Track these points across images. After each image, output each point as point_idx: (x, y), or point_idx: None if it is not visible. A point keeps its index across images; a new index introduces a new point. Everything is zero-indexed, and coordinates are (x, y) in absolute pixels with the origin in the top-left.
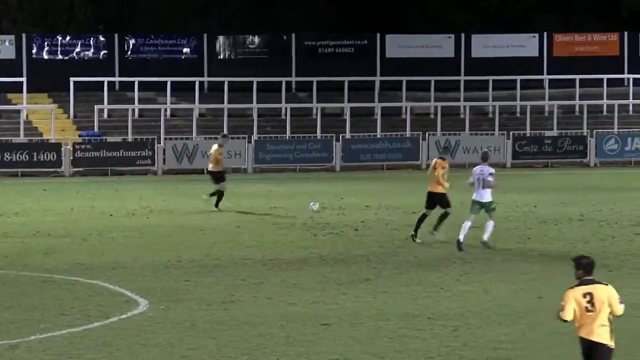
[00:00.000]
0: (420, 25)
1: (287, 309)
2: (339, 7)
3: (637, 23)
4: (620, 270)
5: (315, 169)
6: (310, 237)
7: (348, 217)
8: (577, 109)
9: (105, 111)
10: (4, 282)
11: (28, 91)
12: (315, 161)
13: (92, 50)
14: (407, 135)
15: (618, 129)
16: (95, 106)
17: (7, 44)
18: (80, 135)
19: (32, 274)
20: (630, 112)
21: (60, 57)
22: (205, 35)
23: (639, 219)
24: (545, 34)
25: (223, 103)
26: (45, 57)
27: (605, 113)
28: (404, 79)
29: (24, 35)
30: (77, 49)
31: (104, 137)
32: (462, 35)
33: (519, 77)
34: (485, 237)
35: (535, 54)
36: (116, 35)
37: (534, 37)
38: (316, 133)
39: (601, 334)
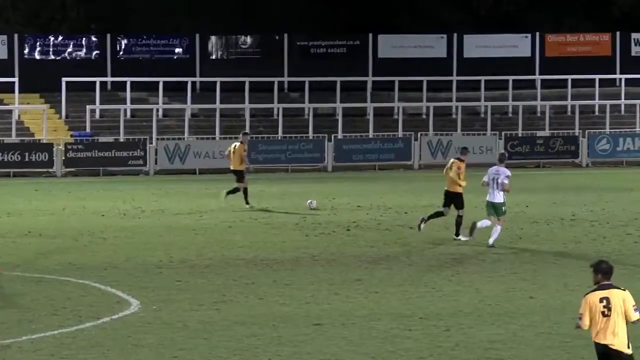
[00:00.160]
0: (413, 26)
1: (279, 309)
2: (331, 7)
3: (629, 23)
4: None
5: (307, 169)
6: (302, 238)
7: (340, 217)
8: (569, 109)
9: (97, 111)
10: None
11: (20, 91)
12: (308, 161)
13: (84, 50)
14: (399, 136)
15: (610, 129)
16: (87, 106)
17: None
18: (72, 136)
19: (24, 274)
20: (622, 112)
21: (52, 57)
22: (197, 35)
23: (631, 219)
24: (537, 34)
25: (215, 103)
26: (38, 57)
27: (597, 113)
28: (396, 79)
29: (16, 35)
30: (69, 49)
31: (96, 138)
32: (455, 35)
33: (511, 77)
34: (491, 240)
35: (527, 54)
36: (108, 35)
37: (526, 37)
38: (308, 133)
39: (617, 340)
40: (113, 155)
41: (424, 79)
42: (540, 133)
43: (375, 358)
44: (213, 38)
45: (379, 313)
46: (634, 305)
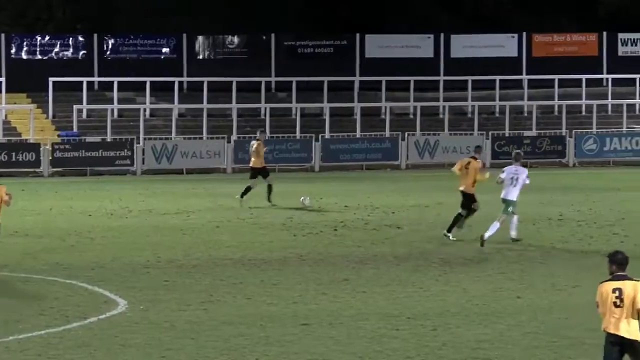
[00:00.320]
0: (400, 26)
1: (267, 309)
2: (318, 7)
3: (615, 23)
4: (599, 270)
5: (294, 169)
6: (289, 237)
7: (327, 217)
8: (555, 109)
9: (84, 111)
10: None
11: (7, 91)
12: (295, 161)
13: (71, 50)
14: (387, 135)
15: (597, 129)
16: (74, 106)
17: None
18: (59, 136)
19: (11, 274)
20: (609, 112)
21: (39, 57)
22: (184, 35)
23: (618, 219)
24: (524, 34)
25: (202, 103)
26: (24, 57)
27: (584, 113)
28: (384, 79)
29: (2, 35)
30: (56, 49)
31: (83, 137)
32: (442, 35)
33: (498, 77)
34: (487, 234)
35: (514, 54)
36: (95, 35)
37: (513, 37)
38: (295, 133)
39: (631, 330)
40: (100, 155)
41: (411, 78)
42: (527, 133)
43: (362, 358)
44: (200, 38)
45: (367, 313)
46: None
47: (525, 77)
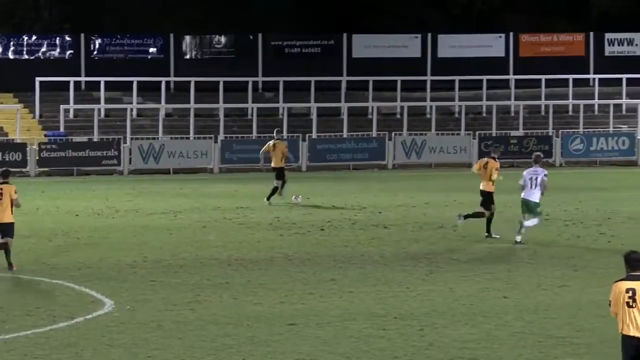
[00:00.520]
0: (387, 26)
1: (253, 308)
2: (305, 7)
3: (604, 23)
4: (585, 269)
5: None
6: (276, 237)
7: (314, 217)
8: (542, 109)
9: (71, 111)
10: None
11: None
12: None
13: (58, 50)
14: (374, 135)
15: (583, 129)
16: (61, 106)
17: None
18: (45, 135)
19: None
20: (596, 112)
21: (26, 56)
22: (171, 35)
23: (604, 219)
24: (511, 34)
25: (189, 103)
26: (11, 56)
27: (570, 113)
28: (371, 79)
29: None
30: (43, 49)
31: (70, 137)
32: (429, 35)
33: (485, 77)
34: (530, 223)
35: (502, 54)
36: (82, 35)
37: (500, 37)
38: (283, 133)
39: None
40: (87, 155)
41: (398, 78)
42: (514, 133)
43: (349, 358)
44: (187, 38)
45: (353, 313)
46: None
47: (512, 77)
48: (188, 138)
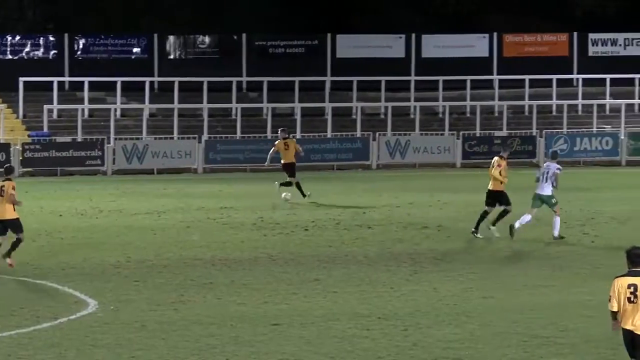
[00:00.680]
0: (371, 26)
1: (237, 309)
2: (290, 7)
3: (588, 23)
4: (568, 269)
5: (265, 169)
6: (260, 237)
7: (298, 217)
8: (526, 109)
9: (55, 111)
10: None
11: None
12: (265, 161)
13: (41, 50)
14: (358, 135)
15: (567, 129)
16: (45, 106)
17: None
18: (29, 136)
19: None
20: (579, 112)
21: (9, 56)
22: (155, 35)
23: (588, 219)
24: (495, 34)
25: (173, 103)
26: None
27: (554, 113)
28: (355, 79)
29: None
30: (27, 49)
31: (54, 137)
32: (413, 35)
33: (468, 78)
34: (555, 232)
35: (485, 54)
36: (66, 35)
37: (484, 37)
38: (266, 133)
39: None
40: (71, 155)
41: (382, 79)
42: (497, 133)
43: (333, 358)
44: (171, 38)
45: (337, 313)
46: None
47: (496, 77)
48: (172, 138)
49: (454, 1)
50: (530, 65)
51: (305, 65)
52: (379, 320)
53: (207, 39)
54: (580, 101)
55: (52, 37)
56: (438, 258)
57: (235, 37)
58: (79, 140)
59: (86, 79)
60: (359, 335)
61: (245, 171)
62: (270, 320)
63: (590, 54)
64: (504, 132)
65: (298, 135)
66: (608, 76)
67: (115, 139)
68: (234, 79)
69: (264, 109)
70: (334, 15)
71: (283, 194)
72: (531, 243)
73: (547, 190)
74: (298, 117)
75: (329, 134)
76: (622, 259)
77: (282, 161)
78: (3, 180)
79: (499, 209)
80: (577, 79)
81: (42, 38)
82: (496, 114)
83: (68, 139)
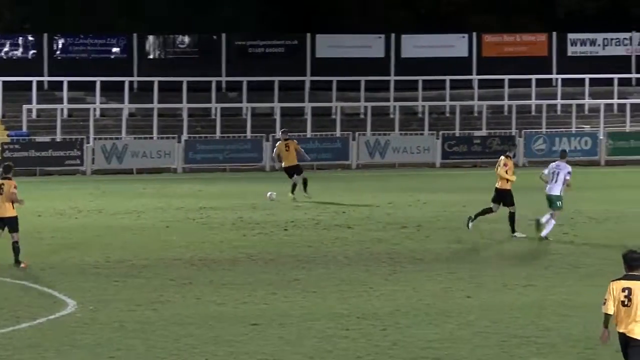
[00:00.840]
0: (351, 26)
1: (216, 309)
2: (269, 7)
3: (567, 23)
4: (549, 269)
5: (245, 169)
6: (239, 237)
7: (278, 217)
8: (505, 109)
9: (34, 111)
10: None
11: None
12: (246, 161)
13: (20, 49)
14: (337, 135)
15: (546, 129)
16: (24, 106)
17: None
18: (8, 135)
19: None
20: (559, 112)
21: None
22: (134, 34)
23: (566, 219)
24: (474, 34)
25: (153, 103)
26: None
27: (533, 113)
28: (334, 79)
29: None
30: (6, 49)
31: (33, 137)
32: (392, 35)
33: (448, 77)
34: (544, 233)
35: (465, 54)
36: (45, 34)
37: (464, 37)
38: (246, 133)
39: (636, 330)
40: (50, 155)
41: (362, 78)
42: (477, 133)
43: (313, 358)
44: (150, 38)
45: (317, 313)
46: None
47: (475, 77)
48: (151, 138)
49: (434, 1)
50: (509, 65)
51: (285, 65)
52: (359, 320)
53: (186, 39)
54: (559, 101)
55: (31, 37)
56: (417, 258)
57: (214, 37)
58: (58, 140)
59: (65, 79)
60: (338, 335)
61: (224, 171)
62: (249, 320)
63: (569, 54)
64: (484, 132)
65: (277, 135)
66: (587, 76)
67: (95, 138)
68: (214, 79)
69: (243, 109)
70: (313, 15)
71: (268, 194)
72: (510, 243)
73: (555, 190)
74: (278, 117)
75: (309, 134)
76: (600, 259)
77: (283, 165)
78: (2, 179)
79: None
80: (556, 79)
81: (21, 38)
82: (475, 114)
83: (47, 138)
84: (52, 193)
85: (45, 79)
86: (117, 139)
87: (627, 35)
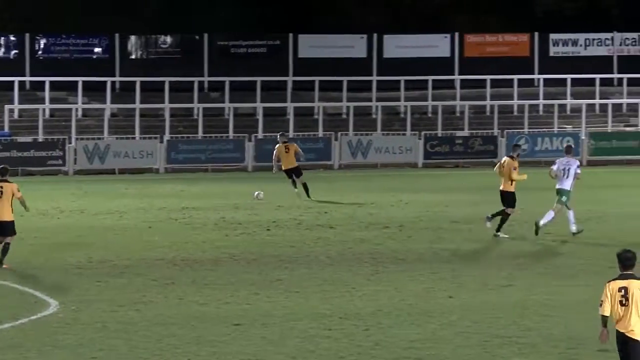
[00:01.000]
0: (333, 26)
1: (199, 309)
2: (251, 7)
3: (549, 24)
4: (531, 269)
5: (227, 169)
6: (222, 237)
7: (260, 217)
8: (487, 109)
9: (16, 111)
10: None
11: None
12: (228, 161)
13: (2, 49)
14: (320, 135)
15: (528, 129)
16: (6, 106)
17: None
18: None
19: None
20: (540, 113)
21: None
22: (117, 35)
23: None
24: (456, 34)
25: (135, 103)
26: None
27: (515, 113)
28: (317, 79)
29: None
30: None
31: (15, 137)
32: (375, 35)
33: (430, 78)
34: (574, 227)
35: (447, 54)
36: (27, 34)
37: (446, 37)
38: (228, 133)
39: (635, 329)
40: (32, 155)
41: (344, 79)
42: (459, 133)
43: (295, 358)
44: (132, 38)
45: (299, 313)
46: None
47: (457, 77)
48: (134, 138)
49: (416, 1)
50: (491, 66)
51: (267, 65)
52: (341, 320)
53: (168, 39)
54: (541, 101)
55: (13, 36)
56: (400, 258)
57: (197, 37)
58: (40, 140)
59: (47, 79)
60: (320, 335)
61: (207, 171)
62: (232, 320)
63: (551, 54)
64: (466, 132)
65: (260, 135)
66: (569, 76)
67: (77, 139)
68: (196, 79)
69: (225, 109)
70: (295, 15)
71: (256, 193)
72: (491, 243)
73: (566, 184)
74: (260, 117)
75: (291, 134)
76: (582, 259)
77: (284, 167)
78: (0, 182)
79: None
80: (538, 79)
81: (2, 38)
82: (458, 114)
83: (29, 138)
84: (34, 193)
85: (27, 79)
86: (99, 139)
87: (608, 35)
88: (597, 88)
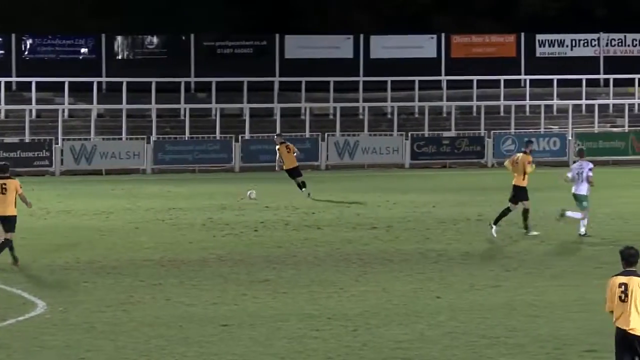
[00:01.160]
0: (320, 26)
1: (186, 309)
2: (238, 7)
3: (535, 24)
4: (518, 270)
5: (214, 170)
6: (209, 238)
7: (247, 217)
8: (474, 109)
9: (2, 112)
10: None
11: None
12: (215, 162)
13: None
14: (307, 136)
15: (515, 129)
16: None
17: None
18: None
19: None
20: (527, 113)
21: None
22: (103, 35)
23: (536, 220)
24: (442, 35)
25: (121, 103)
26: None
27: (502, 114)
28: (303, 79)
29: None
30: None
31: (1, 138)
32: (361, 36)
33: (417, 78)
34: (582, 230)
35: (433, 55)
36: (13, 35)
37: (432, 38)
38: (215, 134)
39: (634, 325)
40: (18, 155)
41: (331, 79)
42: (446, 133)
43: (283, 358)
44: (119, 38)
45: (287, 313)
46: None
47: (444, 78)
48: (120, 139)
49: (402, 2)
50: (478, 66)
51: (254, 65)
52: (329, 320)
53: (155, 40)
54: (527, 102)
55: None
56: (387, 258)
57: (183, 38)
58: (27, 141)
59: (34, 80)
60: (308, 335)
61: (194, 172)
62: (219, 321)
63: (537, 54)
64: (452, 133)
65: (247, 136)
66: (555, 77)
67: (63, 139)
68: (183, 80)
69: (212, 110)
70: (282, 15)
71: (248, 192)
72: (478, 243)
73: (582, 189)
74: (247, 117)
75: None
76: (569, 259)
77: (285, 167)
78: (3, 179)
79: (519, 206)
80: (525, 80)
81: None
82: (444, 115)
83: (15, 139)
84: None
85: (14, 79)
86: (85, 139)
87: (595, 36)
88: (584, 89)
